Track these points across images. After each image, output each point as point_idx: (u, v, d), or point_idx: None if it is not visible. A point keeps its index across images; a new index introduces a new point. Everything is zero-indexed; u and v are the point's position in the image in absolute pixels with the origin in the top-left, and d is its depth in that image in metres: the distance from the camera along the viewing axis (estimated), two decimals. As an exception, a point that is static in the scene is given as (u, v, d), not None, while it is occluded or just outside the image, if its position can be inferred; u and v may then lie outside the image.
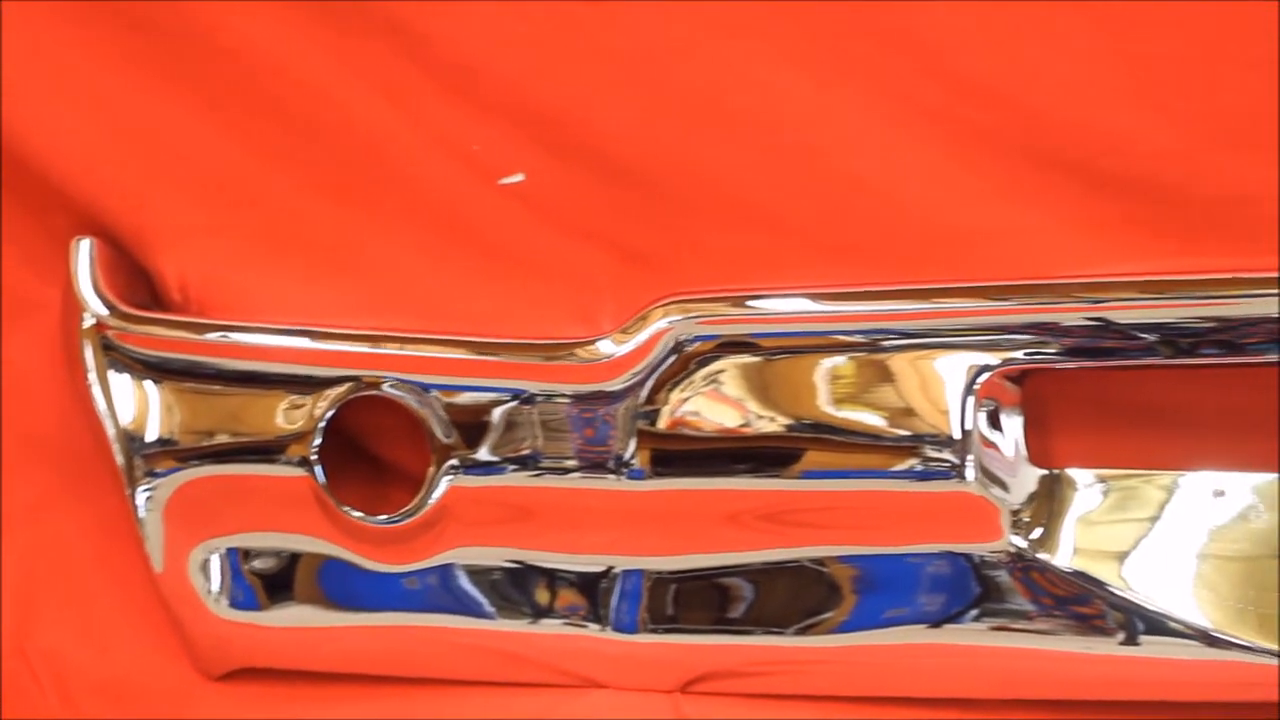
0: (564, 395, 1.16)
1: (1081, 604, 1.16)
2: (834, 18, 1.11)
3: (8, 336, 1.28)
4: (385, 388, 1.18)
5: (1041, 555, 1.15)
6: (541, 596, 1.20)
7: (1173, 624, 1.15)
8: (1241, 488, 1.18)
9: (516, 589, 1.21)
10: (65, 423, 1.26)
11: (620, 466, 1.15)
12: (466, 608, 1.21)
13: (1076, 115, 1.12)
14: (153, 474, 1.19)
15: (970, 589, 1.17)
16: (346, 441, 1.24)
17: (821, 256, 1.16)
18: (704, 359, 1.14)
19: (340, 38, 1.16)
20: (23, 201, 1.25)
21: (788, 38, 1.12)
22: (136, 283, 1.22)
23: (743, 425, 1.15)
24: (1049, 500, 1.17)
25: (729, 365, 1.15)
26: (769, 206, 1.16)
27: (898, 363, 1.13)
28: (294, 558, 1.22)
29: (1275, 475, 1.18)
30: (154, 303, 1.22)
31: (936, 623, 1.18)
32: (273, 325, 1.20)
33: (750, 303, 1.16)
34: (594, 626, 1.19)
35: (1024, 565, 1.15)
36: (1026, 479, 1.17)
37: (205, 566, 1.22)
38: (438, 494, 1.18)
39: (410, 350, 1.18)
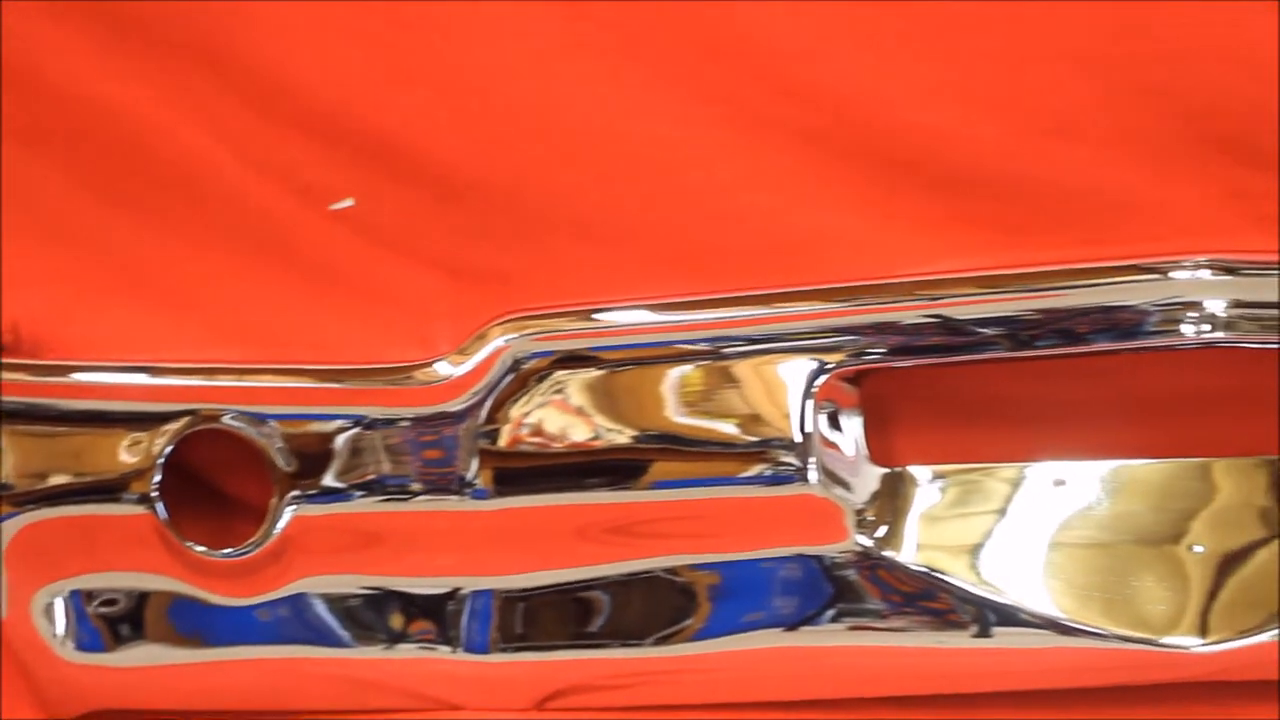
0: (404, 419, 1.15)
1: (932, 599, 1.17)
2: (661, 28, 1.12)
3: None
4: (224, 420, 1.16)
5: (887, 553, 1.16)
6: (394, 621, 1.19)
7: (1023, 614, 1.16)
8: (1081, 477, 1.19)
9: (369, 615, 1.20)
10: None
11: (464, 487, 1.15)
12: (320, 637, 1.20)
13: (904, 116, 1.14)
14: (-7, 520, 1.17)
15: (823, 590, 1.17)
16: (191, 476, 1.22)
17: (658, 267, 1.17)
18: (543, 375, 1.14)
19: (160, 69, 1.15)
20: None
21: (616, 49, 1.13)
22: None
23: (586, 439, 1.15)
24: (892, 498, 1.18)
25: (569, 380, 1.14)
26: (603, 219, 1.16)
27: (737, 369, 1.14)
28: (142, 597, 1.20)
29: (1115, 463, 1.19)
30: (-15, 347, 1.20)
31: (792, 625, 1.18)
32: (109, 363, 1.18)
33: (587, 317, 1.15)
34: (445, 649, 1.19)
35: (871, 564, 1.16)
36: (869, 478, 1.18)
37: (50, 610, 1.19)
38: (282, 524, 1.17)
39: (247, 381, 1.17)
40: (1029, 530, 1.18)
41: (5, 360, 1.19)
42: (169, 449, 1.16)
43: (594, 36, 1.12)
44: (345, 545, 1.18)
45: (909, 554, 1.17)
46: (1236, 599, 1.17)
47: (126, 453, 1.17)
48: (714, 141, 1.13)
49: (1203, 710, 1.19)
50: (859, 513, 1.16)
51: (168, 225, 1.19)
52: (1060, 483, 1.19)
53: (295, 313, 1.19)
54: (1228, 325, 1.13)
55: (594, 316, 1.16)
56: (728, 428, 1.14)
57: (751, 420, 1.14)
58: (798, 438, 1.13)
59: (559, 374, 1.14)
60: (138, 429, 1.16)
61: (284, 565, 1.18)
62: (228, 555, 1.17)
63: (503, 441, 1.15)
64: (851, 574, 1.17)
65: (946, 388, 1.18)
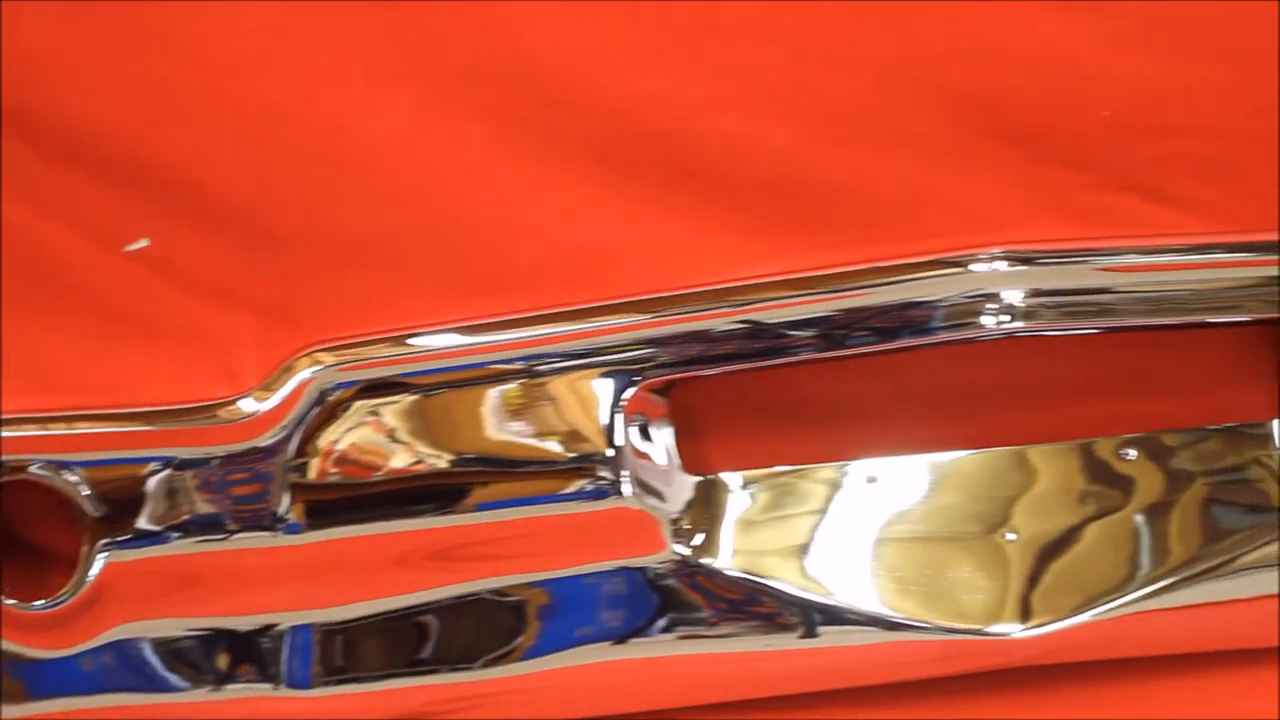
0: (214, 457, 1.14)
1: (756, 603, 1.18)
2: (435, 50, 1.11)
3: None
4: (31, 470, 1.14)
5: (705, 560, 1.17)
6: (219, 662, 1.18)
7: (847, 613, 1.18)
8: (894, 472, 1.20)
9: (191, 658, 1.18)
10: None
11: (276, 522, 1.14)
12: (144, 683, 1.18)
13: (691, 124, 1.14)
14: None
15: (649, 601, 1.18)
16: (4, 530, 1.20)
17: (459, 290, 1.16)
18: (351, 405, 1.13)
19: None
20: None
21: (394, 79, 1.12)
22: None
23: (399, 466, 1.14)
24: (707, 506, 1.18)
25: (379, 408, 1.14)
26: (402, 247, 1.15)
27: (546, 387, 1.14)
28: (-41, 655, 1.18)
29: (928, 456, 1.20)
30: None
31: (621, 638, 1.19)
32: (-93, 418, 1.16)
33: (395, 343, 1.15)
34: (268, 687, 1.17)
35: (691, 572, 1.16)
36: (683, 487, 1.18)
37: None
38: (94, 571, 1.15)
39: (53, 430, 1.15)
40: (846, 529, 1.19)
41: None
42: (-25, 503, 1.14)
43: (372, 70, 1.11)
44: (163, 588, 1.16)
45: (726, 560, 1.17)
46: (1056, 583, 1.19)
47: (-66, 509, 1.15)
48: (504, 162, 1.13)
49: (1027, 693, 1.20)
50: (675, 522, 1.16)
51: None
52: (873, 480, 1.20)
53: (97, 358, 1.17)
54: (1027, 315, 1.14)
55: (401, 342, 1.15)
56: (540, 446, 1.14)
57: (564, 437, 1.14)
58: (610, 452, 1.14)
59: (367, 402, 1.14)
60: (-56, 484, 1.14)
61: (100, 613, 1.16)
62: (41, 607, 1.16)
63: (313, 474, 1.14)
64: (674, 583, 1.17)
65: (755, 392, 1.19)
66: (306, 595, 1.16)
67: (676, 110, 1.12)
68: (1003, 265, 1.13)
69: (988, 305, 1.13)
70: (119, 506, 1.14)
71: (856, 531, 1.18)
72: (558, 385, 1.13)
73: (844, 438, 1.20)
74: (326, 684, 1.17)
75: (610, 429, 1.13)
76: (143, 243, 1.14)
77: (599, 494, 1.14)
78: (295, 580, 1.15)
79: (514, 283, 1.16)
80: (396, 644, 1.18)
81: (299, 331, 1.15)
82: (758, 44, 1.11)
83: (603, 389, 1.13)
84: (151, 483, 1.14)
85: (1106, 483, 1.20)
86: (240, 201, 1.13)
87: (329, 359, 1.14)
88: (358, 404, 1.13)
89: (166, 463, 1.14)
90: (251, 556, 1.15)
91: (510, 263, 1.15)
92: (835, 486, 1.19)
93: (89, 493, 1.14)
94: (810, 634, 1.17)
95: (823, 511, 1.19)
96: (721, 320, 1.13)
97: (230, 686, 1.18)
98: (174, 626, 1.17)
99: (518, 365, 1.14)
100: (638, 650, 1.18)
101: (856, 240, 1.15)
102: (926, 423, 1.21)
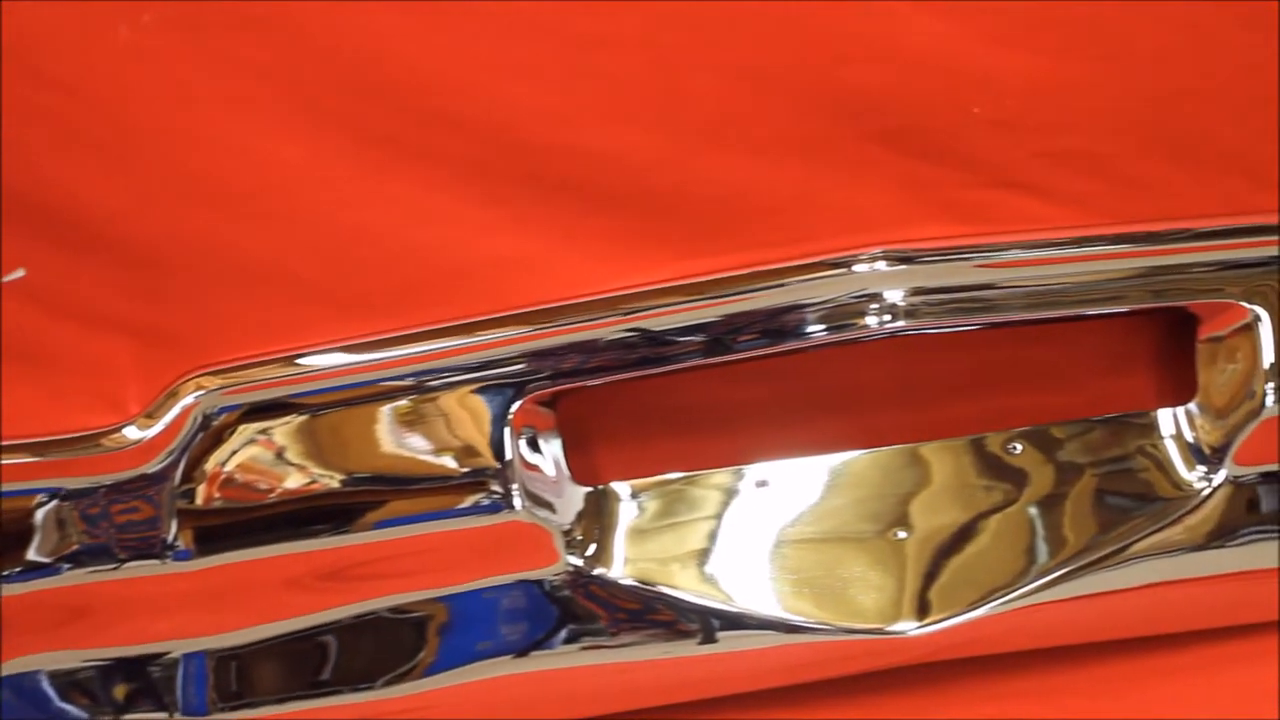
0: (101, 486, 1.13)
1: (652, 611, 1.18)
2: (308, 69, 1.11)
3: None
4: (-83, 506, 1.14)
5: (599, 571, 1.17)
6: (115, 692, 1.18)
7: (744, 617, 1.18)
8: (784, 475, 1.20)
9: (88, 689, 1.18)
10: None
11: (166, 550, 1.13)
12: (42, 716, 1.17)
13: (570, 137, 1.14)
14: None
15: (547, 613, 1.18)
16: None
17: (343, 309, 1.16)
18: (237, 428, 1.13)
19: None
20: None
21: (267, 100, 1.11)
22: None
23: (289, 488, 1.14)
24: (598, 516, 1.18)
25: (265, 430, 1.14)
26: (283, 268, 1.15)
27: (434, 403, 1.14)
28: None
29: (820, 458, 1.21)
30: None
31: (522, 651, 1.19)
32: None
33: (280, 364, 1.14)
34: (163, 715, 1.17)
35: (585, 583, 1.17)
36: (573, 499, 1.18)
37: None
38: (-15, 606, 1.14)
39: (-66, 464, 1.14)
40: (739, 534, 1.20)
41: None
42: None
43: (251, 89, 1.10)
44: (55, 620, 1.16)
45: (619, 569, 1.17)
46: (952, 578, 1.19)
47: None
48: (383, 179, 1.13)
49: (929, 690, 1.21)
50: (567, 533, 1.16)
51: None
52: (763, 484, 1.20)
53: (-21, 390, 1.16)
54: (909, 313, 1.14)
55: (288, 363, 1.14)
56: (431, 462, 1.14)
57: (453, 452, 1.14)
58: (499, 466, 1.13)
59: (254, 425, 1.13)
60: None
61: (-7, 648, 1.15)
62: (-69, 645, 1.15)
63: (201, 500, 1.13)
64: (570, 595, 1.17)
65: (643, 401, 1.19)
66: (199, 622, 1.16)
67: (554, 123, 1.12)
68: (883, 265, 1.14)
69: (871, 305, 1.14)
70: (7, 539, 1.14)
71: (750, 536, 1.19)
72: (445, 401, 1.13)
73: (734, 443, 1.20)
74: (224, 710, 1.17)
75: (499, 443, 1.13)
76: (19, 273, 1.13)
77: (490, 508, 1.14)
78: (187, 607, 1.15)
79: (398, 300, 1.15)
80: (294, 667, 1.17)
81: (182, 356, 1.15)
82: (633, 53, 1.11)
83: (490, 403, 1.13)
84: (39, 514, 1.13)
85: (997, 477, 1.21)
86: (116, 228, 1.13)
87: (214, 383, 1.13)
88: (244, 427, 1.13)
89: (53, 494, 1.13)
90: (142, 585, 1.14)
91: (393, 280, 1.15)
92: (726, 492, 1.19)
93: (-24, 527, 1.13)
94: (709, 639, 1.18)
95: (715, 517, 1.19)
96: (606, 330, 1.13)
97: (127, 717, 1.17)
98: (68, 659, 1.17)
99: (404, 382, 1.14)
100: (539, 663, 1.18)
101: (739, 246, 1.16)
102: (816, 424, 1.21)
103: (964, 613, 1.18)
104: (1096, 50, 1.15)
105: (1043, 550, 1.19)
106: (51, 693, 1.17)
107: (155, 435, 1.12)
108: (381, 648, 1.18)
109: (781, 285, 1.14)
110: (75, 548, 1.14)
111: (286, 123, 1.11)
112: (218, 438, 1.13)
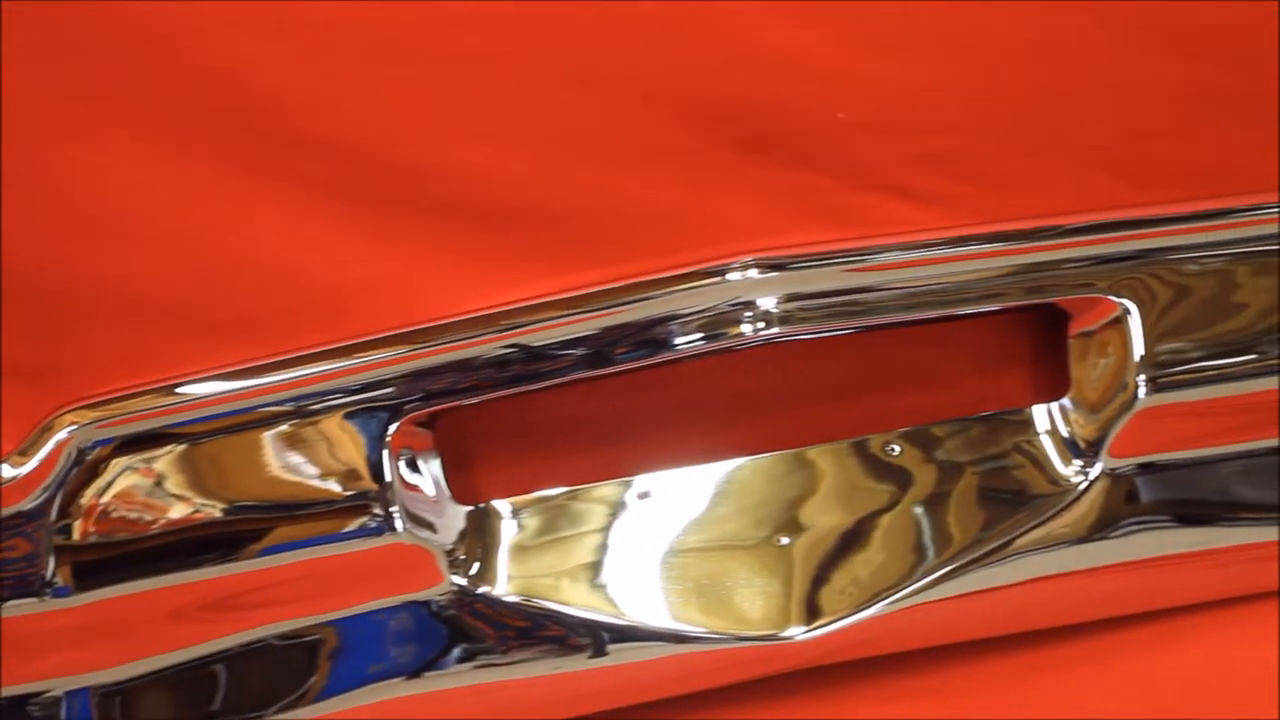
0: (-22, 525, 1.12)
1: (541, 628, 1.18)
2: (172, 96, 1.11)
3: None
4: None
5: (483, 589, 1.17)
6: (4, 736, 1.17)
7: (633, 629, 1.18)
8: (666, 486, 1.21)
9: (-23, 733, 1.16)
10: None
11: (44, 586, 1.12)
12: (-74, 760, 1.16)
13: (439, 156, 1.14)
14: None
15: (437, 634, 1.18)
16: None
17: (214, 337, 1.15)
18: (112, 461, 1.12)
19: None
20: None
21: (132, 128, 1.11)
22: None
23: (169, 519, 1.13)
24: (480, 535, 1.18)
25: (142, 461, 1.13)
26: (155, 298, 1.15)
27: (312, 428, 1.13)
28: None
29: (698, 468, 1.21)
30: None
31: (415, 673, 1.18)
32: None
33: (157, 394, 1.14)
34: (49, 755, 1.16)
35: (471, 602, 1.16)
36: (455, 518, 1.18)
37: None
38: None
39: None
40: (623, 546, 1.20)
41: None
42: None
43: (115, 117, 1.10)
44: (-63, 663, 1.15)
45: (504, 587, 1.17)
46: (838, 581, 1.20)
47: None
48: (255, 205, 1.13)
49: (821, 692, 1.21)
50: (450, 553, 1.16)
51: None
52: (645, 495, 1.20)
53: None
54: (783, 320, 1.15)
55: (166, 392, 1.14)
56: (311, 487, 1.14)
57: (333, 476, 1.14)
58: (379, 488, 1.13)
59: (130, 457, 1.13)
60: None
61: (-127, 693, 1.14)
62: None
63: (78, 535, 1.13)
64: (457, 614, 1.17)
65: (522, 417, 1.19)
66: (82, 659, 1.15)
67: (423, 142, 1.13)
68: (755, 273, 1.14)
69: (745, 313, 1.14)
70: (-117, 583, 1.12)
71: (635, 548, 1.19)
72: (324, 425, 1.13)
73: (616, 455, 1.21)
74: (110, 747, 1.16)
75: (378, 465, 1.13)
76: (-113, 312, 1.13)
77: (372, 531, 1.14)
78: (69, 644, 1.14)
79: (273, 325, 1.16)
80: (183, 699, 1.17)
81: (56, 390, 1.14)
82: (498, 70, 1.12)
83: (367, 426, 1.13)
84: (-84, 558, 1.12)
85: (880, 479, 1.22)
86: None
87: (88, 416, 1.12)
88: (120, 460, 1.12)
89: (-72, 534, 1.12)
90: (21, 623, 1.13)
91: (268, 305, 1.15)
92: (609, 505, 1.20)
93: None
94: (600, 653, 1.18)
95: (599, 531, 1.19)
96: (481, 348, 1.13)
97: (15, 758, 1.16)
98: (-43, 703, 1.15)
99: (282, 408, 1.13)
100: (432, 683, 1.18)
101: (611, 259, 1.16)
102: (697, 434, 1.21)
103: (852, 615, 1.19)
104: (958, 51, 1.16)
105: (927, 549, 1.20)
106: (-63, 739, 1.16)
107: (29, 472, 1.12)
108: (272, 675, 1.17)
109: (655, 296, 1.14)
110: (-44, 589, 1.13)
111: (153, 151, 1.11)
112: (93, 471, 1.12)
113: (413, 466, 1.16)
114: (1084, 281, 1.18)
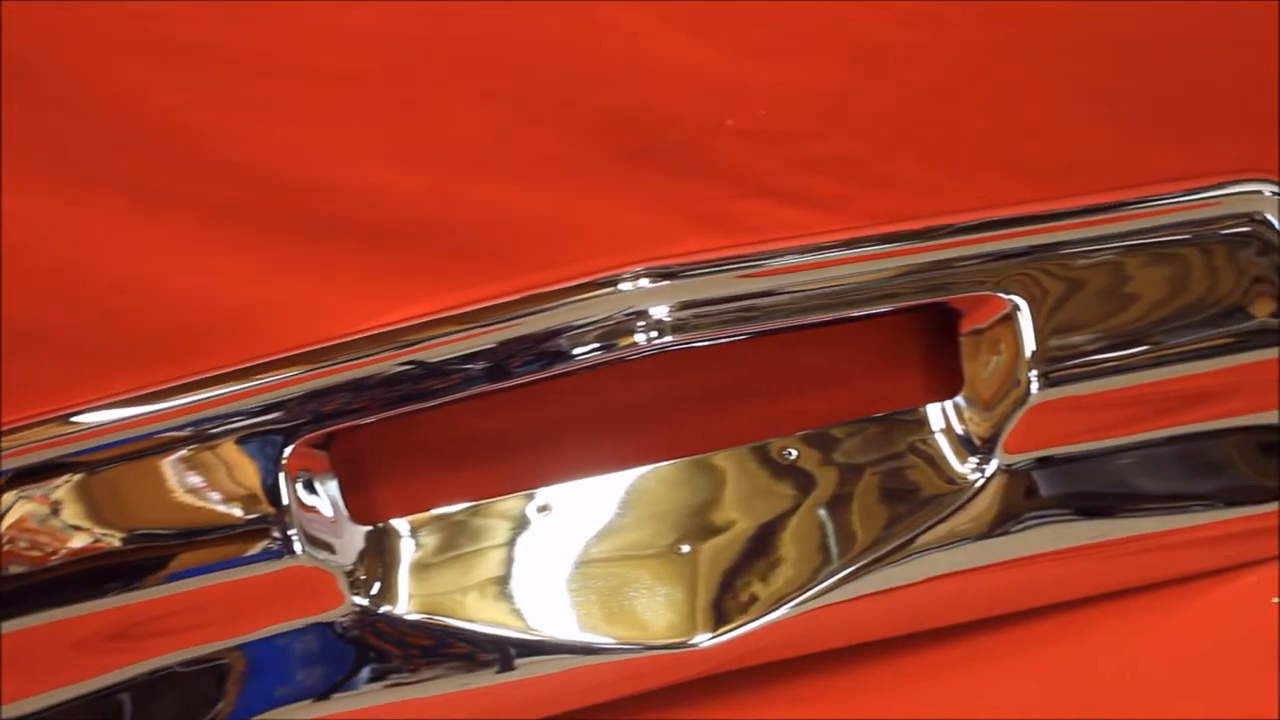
0: (-128, 568, 1.12)
1: (447, 645, 1.18)
2: (51, 124, 1.10)
3: None
4: None
5: (385, 609, 1.17)
6: (-93, 775, 1.16)
7: (539, 642, 1.18)
8: (566, 498, 1.21)
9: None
10: None
11: (-60, 624, 1.12)
12: None
13: (329, 175, 1.14)
14: None
15: (343, 654, 1.18)
16: None
17: (108, 364, 1.15)
18: (6, 492, 1.12)
19: None
20: None
21: (21, 154, 1.10)
22: None
23: (69, 549, 1.13)
24: (380, 554, 1.18)
25: (39, 492, 1.12)
26: (48, 326, 1.14)
27: (209, 453, 1.13)
28: None
29: (596, 479, 1.21)
30: None
31: (323, 694, 1.18)
32: None
33: (54, 424, 1.13)
34: (-49, 793, 1.15)
35: (374, 621, 1.16)
36: (354, 538, 1.18)
37: None
38: None
39: None
40: (525, 561, 1.20)
41: None
42: None
43: (5, 147, 1.09)
44: None
45: (406, 606, 1.17)
46: (742, 586, 1.21)
47: None
48: (137, 232, 1.12)
49: (725, 699, 1.22)
50: (350, 573, 1.16)
51: None
52: (545, 509, 1.21)
53: None
54: (676, 328, 1.15)
55: (63, 422, 1.14)
56: (211, 512, 1.14)
57: (232, 501, 1.14)
58: (276, 511, 1.13)
59: (26, 489, 1.13)
60: None
61: None
62: None
63: (-27, 569, 1.12)
64: (361, 635, 1.17)
65: (419, 434, 1.19)
66: (-16, 692, 1.14)
67: (312, 162, 1.13)
68: (647, 282, 1.15)
69: (638, 323, 1.15)
70: None
71: (537, 562, 1.19)
72: (221, 450, 1.13)
73: (515, 470, 1.21)
74: (14, 780, 1.15)
75: (275, 488, 1.13)
76: None
77: (272, 554, 1.14)
78: (-31, 679, 1.13)
79: (168, 351, 1.15)
80: (90, 729, 1.16)
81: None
82: (388, 86, 1.12)
83: (263, 449, 1.13)
84: None
85: (779, 483, 1.22)
86: None
87: (-19, 450, 1.11)
88: (14, 492, 1.11)
89: None
90: (-80, 660, 1.12)
91: (161, 331, 1.15)
92: (509, 520, 1.20)
93: None
94: (508, 667, 1.18)
95: (499, 546, 1.19)
96: (374, 367, 1.13)
97: (-88, 799, 1.16)
98: None
99: (179, 433, 1.13)
100: (341, 704, 1.18)
101: (503, 273, 1.16)
102: (596, 445, 1.22)
103: (757, 619, 1.19)
104: (845, 55, 1.16)
105: (828, 552, 1.20)
106: None
107: (-78, 508, 1.11)
108: (179, 703, 1.17)
109: (548, 309, 1.15)
110: None
111: (38, 178, 1.10)
112: (-9, 504, 1.11)
113: (310, 488, 1.16)
114: (975, 279, 1.19)
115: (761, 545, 1.20)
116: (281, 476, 1.13)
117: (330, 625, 1.17)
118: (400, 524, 1.19)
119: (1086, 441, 1.23)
